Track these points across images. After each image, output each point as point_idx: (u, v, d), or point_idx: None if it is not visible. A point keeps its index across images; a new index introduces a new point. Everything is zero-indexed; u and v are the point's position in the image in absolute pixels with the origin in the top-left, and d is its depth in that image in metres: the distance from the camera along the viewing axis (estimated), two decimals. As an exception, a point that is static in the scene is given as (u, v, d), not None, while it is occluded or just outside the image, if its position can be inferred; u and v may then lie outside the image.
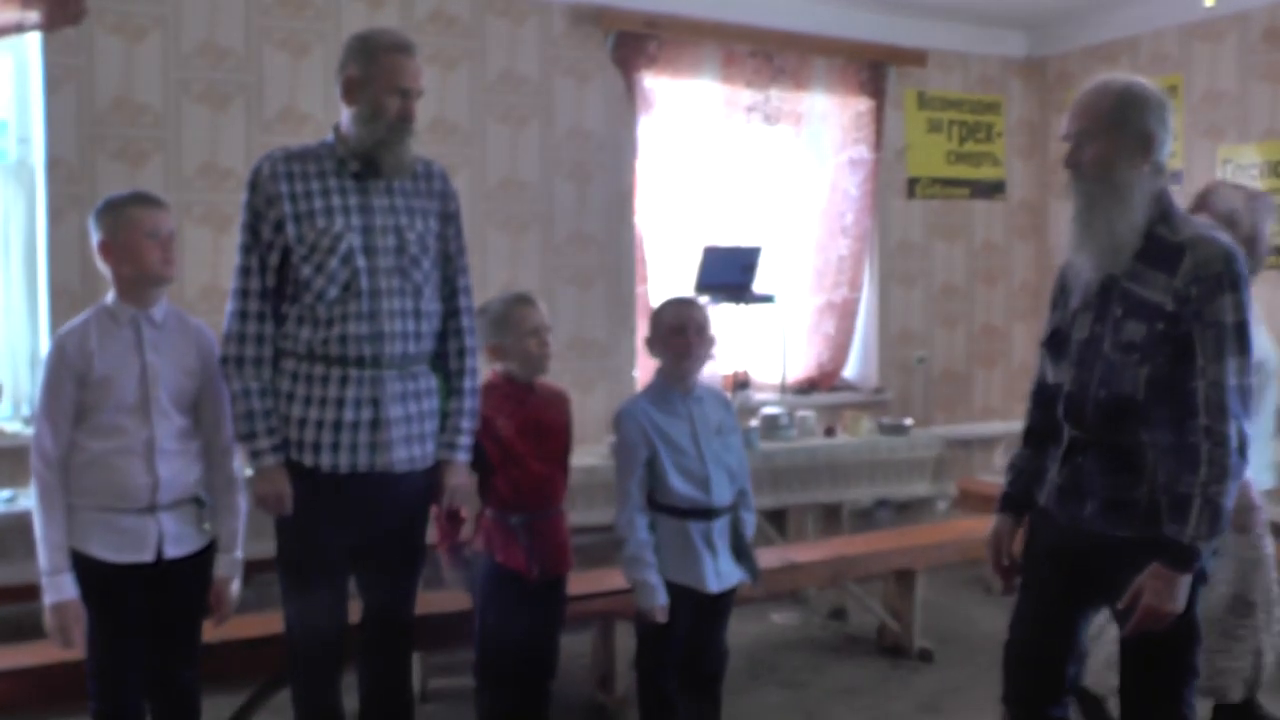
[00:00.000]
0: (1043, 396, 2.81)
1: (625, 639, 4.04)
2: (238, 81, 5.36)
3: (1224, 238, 2.53)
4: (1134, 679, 2.65)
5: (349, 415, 2.95)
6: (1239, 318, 2.45)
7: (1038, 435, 2.84)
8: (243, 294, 2.98)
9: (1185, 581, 2.45)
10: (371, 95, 2.93)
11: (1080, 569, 2.66)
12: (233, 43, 5.35)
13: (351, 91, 2.96)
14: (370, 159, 2.98)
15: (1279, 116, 6.30)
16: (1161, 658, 2.59)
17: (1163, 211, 2.59)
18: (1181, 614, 2.50)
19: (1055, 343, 2.76)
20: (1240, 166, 6.43)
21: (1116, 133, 2.57)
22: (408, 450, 3.03)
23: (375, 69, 2.93)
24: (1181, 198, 6.16)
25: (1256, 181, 6.32)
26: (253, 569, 3.32)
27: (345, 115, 3.00)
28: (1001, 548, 2.89)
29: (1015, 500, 2.88)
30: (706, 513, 3.39)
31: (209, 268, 5.21)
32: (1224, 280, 2.45)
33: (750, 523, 3.55)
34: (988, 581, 5.79)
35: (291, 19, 5.46)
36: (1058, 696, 2.79)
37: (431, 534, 3.52)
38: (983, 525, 4.89)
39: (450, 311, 3.17)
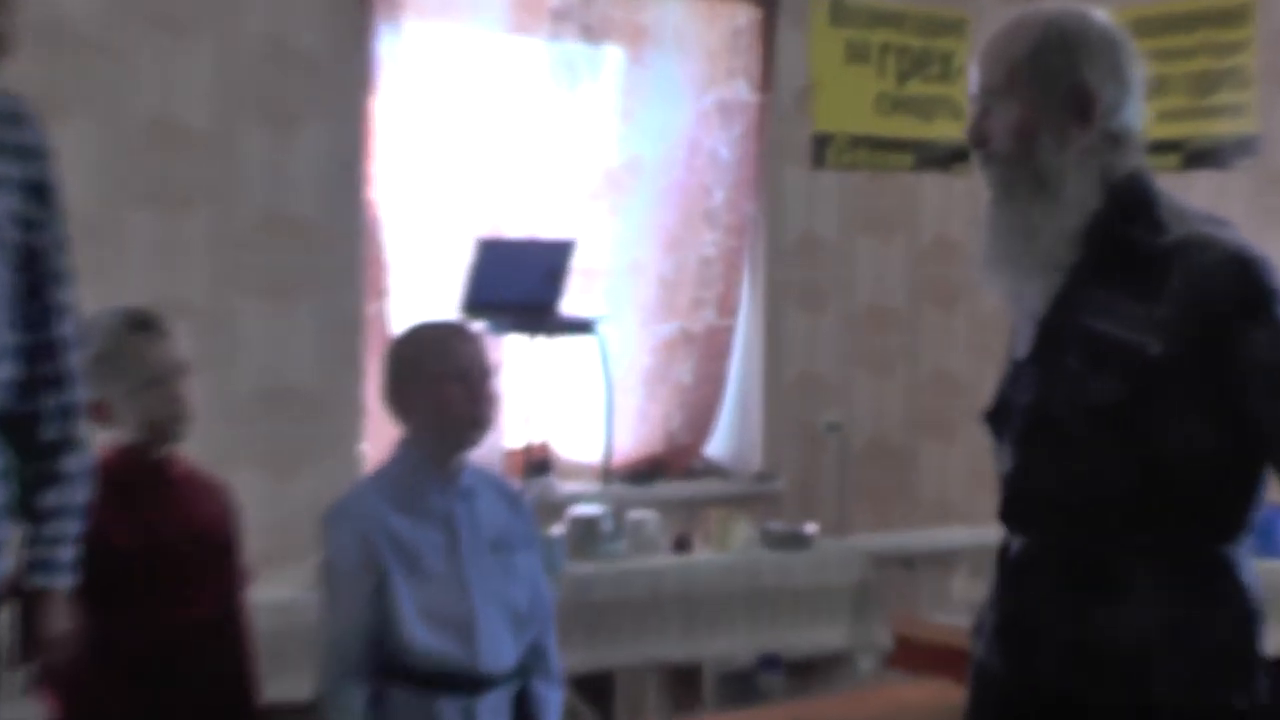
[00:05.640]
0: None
1: None
2: None
3: (1232, 236, 2.08)
4: None
5: None
6: None
7: None
8: None
9: None
10: None
11: None
12: None
13: None
14: None
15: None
16: None
17: (1135, 203, 2.10)
18: None
19: (998, 413, 2.33)
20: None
21: (1036, 90, 2.12)
22: None
23: None
24: (1260, 173, 6.09)
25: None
26: None
27: None
28: None
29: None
30: (470, 683, 2.83)
31: None
32: (1259, 302, 1.99)
33: (553, 702, 3.07)
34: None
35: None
36: None
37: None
38: (934, 698, 4.49)
39: (41, 348, 2.47)
